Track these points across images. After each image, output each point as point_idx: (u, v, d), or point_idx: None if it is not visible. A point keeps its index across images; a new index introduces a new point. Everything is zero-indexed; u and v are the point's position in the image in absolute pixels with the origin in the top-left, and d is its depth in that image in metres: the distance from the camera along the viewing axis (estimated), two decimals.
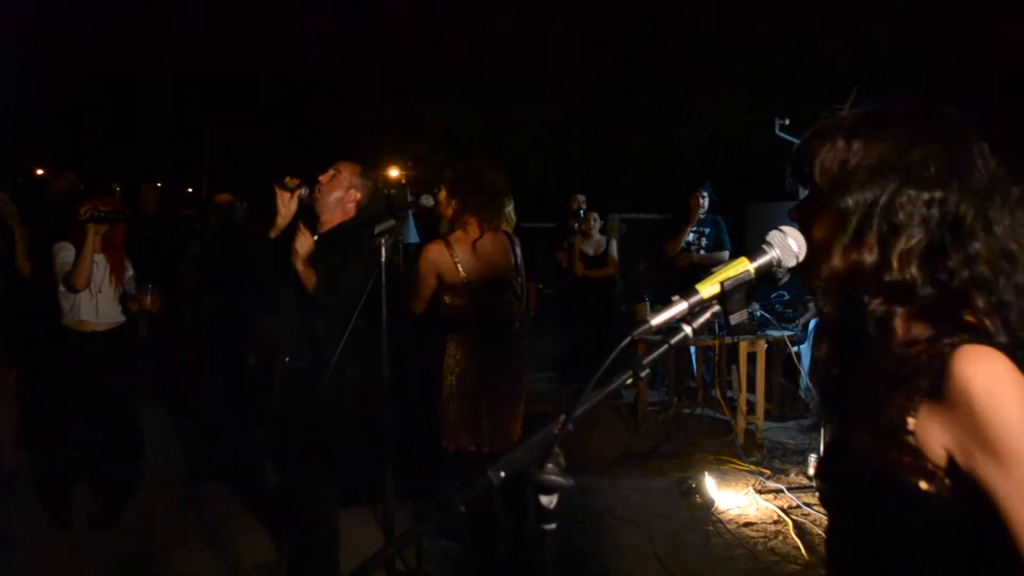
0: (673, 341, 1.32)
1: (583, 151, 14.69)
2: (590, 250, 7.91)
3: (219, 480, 5.33)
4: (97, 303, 4.58)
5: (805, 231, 1.28)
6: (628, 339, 1.35)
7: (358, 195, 3.67)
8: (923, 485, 1.14)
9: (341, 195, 3.64)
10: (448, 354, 3.82)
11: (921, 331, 1.17)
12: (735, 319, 1.37)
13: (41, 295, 4.70)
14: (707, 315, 1.33)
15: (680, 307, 1.31)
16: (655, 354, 1.32)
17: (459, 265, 3.71)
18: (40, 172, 12.36)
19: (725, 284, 1.32)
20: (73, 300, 4.53)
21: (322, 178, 3.65)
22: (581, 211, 8.20)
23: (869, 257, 1.18)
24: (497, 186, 3.85)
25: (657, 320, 1.31)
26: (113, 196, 4.92)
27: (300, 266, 3.47)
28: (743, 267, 1.32)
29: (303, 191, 3.58)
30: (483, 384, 3.76)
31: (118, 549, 4.43)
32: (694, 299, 1.31)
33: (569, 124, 14.76)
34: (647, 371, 1.31)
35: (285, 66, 18.06)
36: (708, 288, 1.32)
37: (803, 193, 1.39)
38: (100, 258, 4.57)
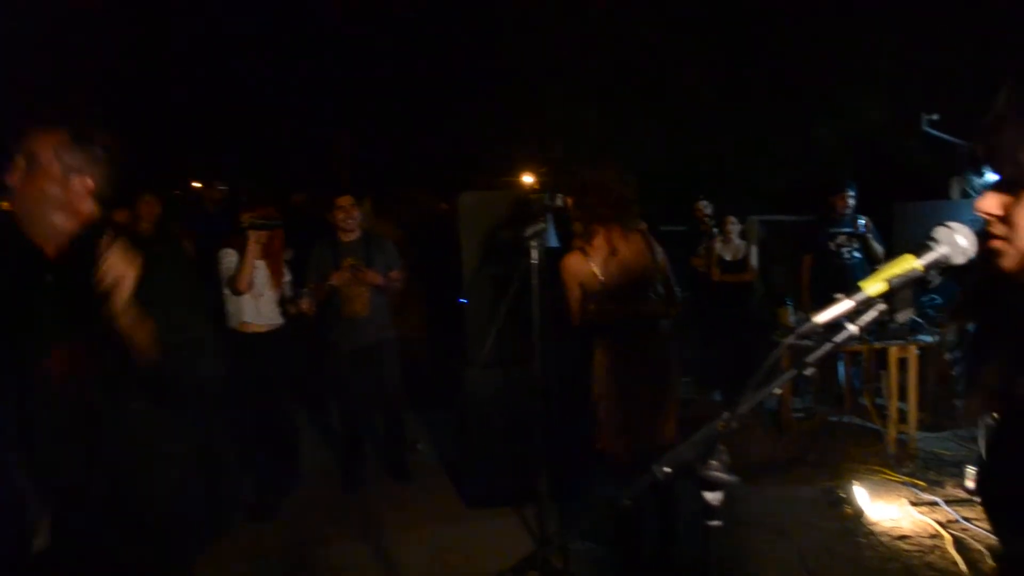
0: (838, 339, 1.31)
1: (718, 153, 14.40)
2: (728, 255, 7.77)
3: (370, 481, 5.54)
4: (258, 306, 4.86)
5: (1010, 221, 1.21)
6: (791, 338, 1.35)
7: (88, 181, 2.23)
8: None
9: (56, 191, 2.20)
10: (595, 359, 3.85)
11: None
12: (901, 318, 1.37)
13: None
14: (873, 313, 1.32)
15: (845, 305, 1.31)
16: (820, 351, 1.32)
17: (597, 272, 3.73)
18: (196, 184, 13.15)
19: (892, 282, 1.30)
20: (237, 303, 4.82)
21: (9, 179, 2.21)
22: (707, 217, 8.07)
23: None
24: (623, 194, 3.82)
25: (822, 318, 1.31)
26: (271, 206, 5.19)
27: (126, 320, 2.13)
28: (909, 264, 1.30)
29: None
30: (629, 387, 3.76)
31: (275, 540, 4.68)
32: (859, 297, 1.30)
33: (701, 124, 14.51)
34: (812, 369, 1.31)
35: (419, 72, 18.52)
36: (874, 285, 1.30)
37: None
38: (260, 263, 4.85)
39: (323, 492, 5.38)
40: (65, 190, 2.19)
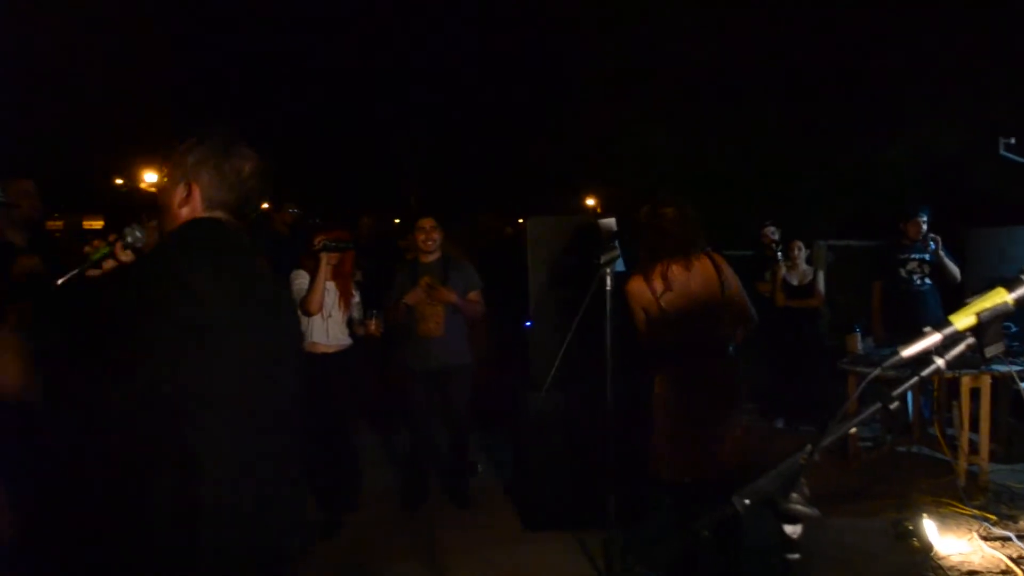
0: (924, 373, 1.30)
1: (786, 176, 14.26)
2: (794, 280, 7.65)
3: (431, 501, 5.58)
4: (328, 327, 4.95)
5: None
6: (877, 371, 1.34)
7: (194, 187, 2.17)
8: None
9: (167, 194, 2.19)
10: (656, 383, 3.84)
11: None
12: (990, 352, 1.33)
13: None
14: (961, 347, 1.31)
15: (933, 338, 1.29)
16: (905, 385, 1.31)
17: (658, 298, 3.74)
18: (265, 205, 13.50)
19: (981, 315, 1.29)
20: (307, 324, 4.91)
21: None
22: (773, 243, 7.97)
23: None
24: (681, 231, 3.82)
25: (909, 351, 1.30)
26: (342, 228, 5.29)
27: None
28: (1000, 298, 1.29)
29: (133, 237, 2.27)
30: (687, 411, 3.75)
31: (336, 558, 4.74)
32: (948, 330, 1.29)
33: (770, 146, 14.39)
34: (897, 403, 1.30)
35: (487, 96, 18.74)
36: (963, 319, 1.29)
37: None
38: (331, 285, 4.95)
39: (385, 511, 5.43)
40: (173, 193, 2.17)
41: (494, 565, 4.57)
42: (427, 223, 5.35)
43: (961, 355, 1.31)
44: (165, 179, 2.20)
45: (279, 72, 18.78)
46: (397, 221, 12.09)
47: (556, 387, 4.64)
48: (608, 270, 3.20)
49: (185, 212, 2.15)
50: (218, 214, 2.17)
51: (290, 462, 2.21)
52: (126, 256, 2.24)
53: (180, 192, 2.15)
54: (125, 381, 1.93)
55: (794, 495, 1.27)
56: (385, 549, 4.82)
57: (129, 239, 2.24)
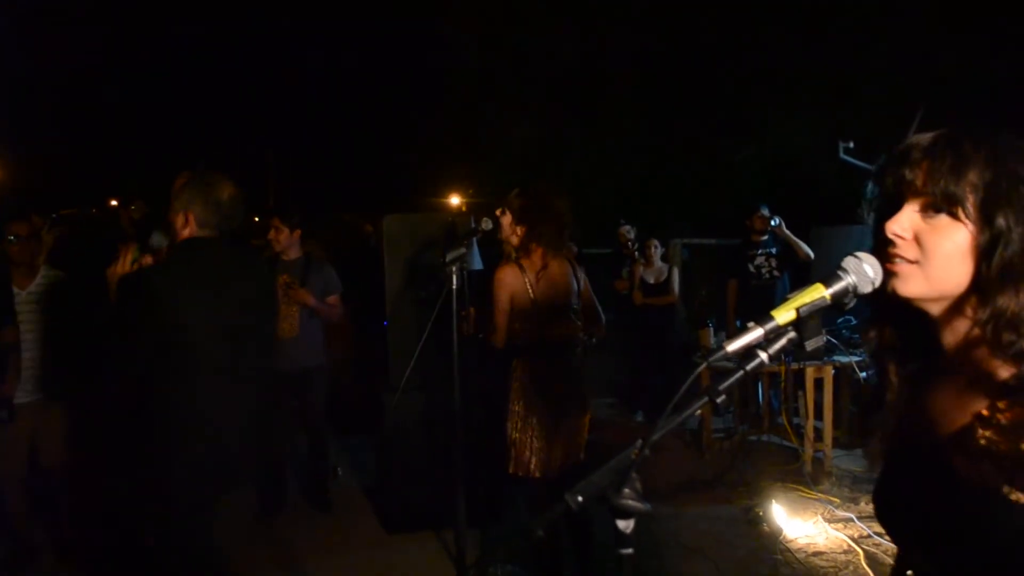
0: (749, 367, 1.31)
1: (643, 176, 14.65)
2: (651, 278, 7.85)
3: (289, 507, 5.43)
4: None
5: (922, 245, 1.26)
6: (703, 365, 1.36)
7: (189, 215, 2.98)
8: None
9: (175, 217, 3.04)
10: (514, 379, 3.83)
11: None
12: (811, 345, 1.36)
13: None
14: (783, 341, 1.33)
15: (756, 333, 1.31)
16: (731, 379, 1.32)
17: (530, 289, 3.74)
18: (114, 202, 12.82)
19: (800, 310, 1.31)
20: None
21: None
22: (630, 242, 8.15)
23: None
24: (563, 214, 3.84)
25: (733, 346, 1.31)
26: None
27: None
28: (818, 293, 1.32)
29: (157, 241, 3.02)
30: (548, 408, 3.76)
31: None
32: (769, 325, 1.31)
33: (629, 149, 14.75)
34: (723, 396, 1.31)
35: (347, 94, 18.45)
36: (784, 314, 1.31)
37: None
38: None
39: (243, 518, 5.23)
40: (176, 220, 2.98)
41: (355, 569, 4.49)
42: (274, 222, 5.27)
43: (783, 349, 1.34)
44: (172, 210, 2.98)
45: (137, 67, 17.95)
46: (256, 219, 11.74)
47: (415, 388, 4.59)
48: (455, 268, 3.17)
49: (186, 233, 2.96)
50: (207, 232, 2.97)
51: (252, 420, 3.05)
52: (147, 260, 3.04)
53: (181, 220, 2.96)
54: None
55: (626, 490, 1.27)
56: (245, 556, 4.62)
57: (152, 243, 3.29)
